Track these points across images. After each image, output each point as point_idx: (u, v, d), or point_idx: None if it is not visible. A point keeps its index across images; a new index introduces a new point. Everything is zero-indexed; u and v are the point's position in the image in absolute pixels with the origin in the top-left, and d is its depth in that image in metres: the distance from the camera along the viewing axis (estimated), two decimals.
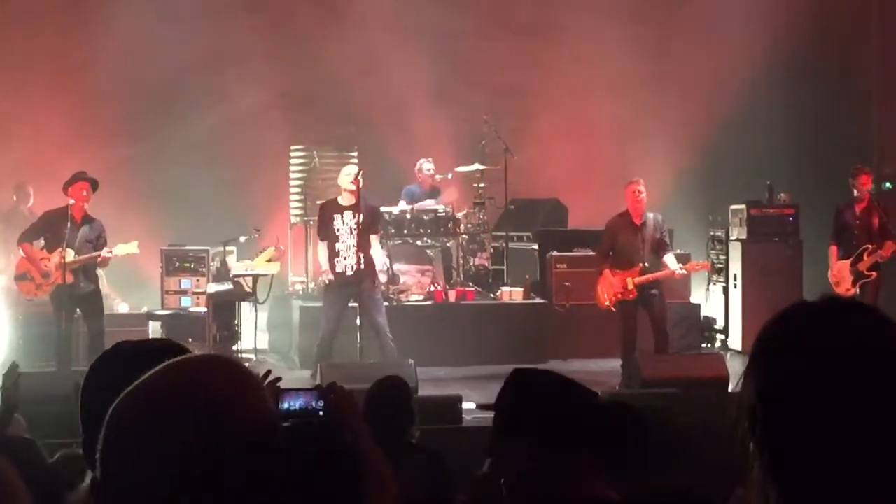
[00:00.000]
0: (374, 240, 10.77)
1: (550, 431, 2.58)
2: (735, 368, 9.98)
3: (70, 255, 10.33)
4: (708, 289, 13.94)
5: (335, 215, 10.54)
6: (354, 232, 10.45)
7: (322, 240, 10.81)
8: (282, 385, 3.22)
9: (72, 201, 10.34)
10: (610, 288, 10.63)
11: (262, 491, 1.43)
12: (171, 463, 1.38)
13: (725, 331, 13.49)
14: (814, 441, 1.37)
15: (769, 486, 1.41)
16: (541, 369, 2.89)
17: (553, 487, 2.58)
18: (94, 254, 10.44)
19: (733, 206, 13.63)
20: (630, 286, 10.51)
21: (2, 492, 1.91)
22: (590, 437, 2.60)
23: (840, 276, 11.38)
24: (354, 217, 10.43)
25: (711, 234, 14.06)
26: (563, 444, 2.59)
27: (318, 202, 11.63)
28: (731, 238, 13.56)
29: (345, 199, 10.56)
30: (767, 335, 1.46)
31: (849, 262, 11.34)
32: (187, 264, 12.56)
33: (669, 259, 10.75)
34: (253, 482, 1.41)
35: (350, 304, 10.58)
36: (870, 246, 11.23)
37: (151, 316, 12.20)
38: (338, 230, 10.51)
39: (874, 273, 11.24)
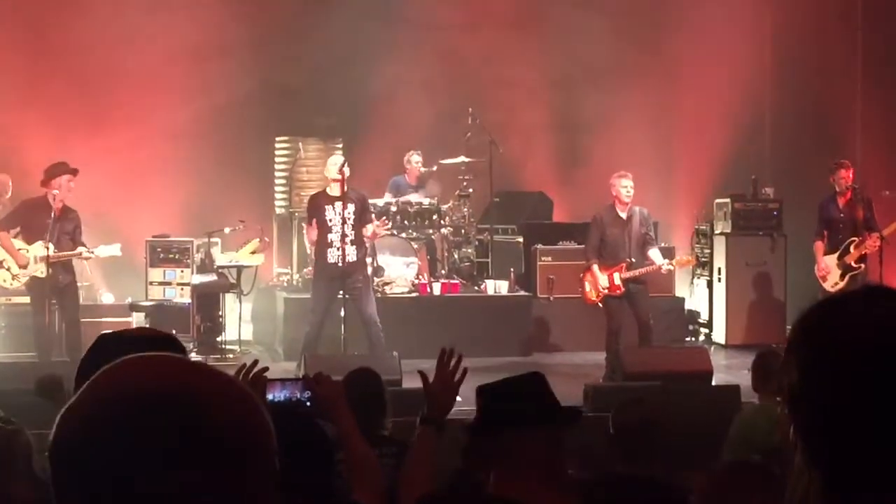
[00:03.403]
0: (369, 227, 10.73)
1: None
2: (719, 362, 10.01)
3: (49, 249, 10.34)
4: (692, 282, 13.96)
5: (326, 206, 10.45)
6: (347, 222, 10.41)
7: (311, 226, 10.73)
8: (267, 376, 3.21)
9: (56, 191, 10.34)
10: (597, 284, 10.62)
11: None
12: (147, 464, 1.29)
13: (709, 324, 13.51)
14: (859, 427, 1.36)
15: (813, 471, 1.40)
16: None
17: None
18: (75, 252, 10.46)
19: (718, 200, 13.66)
20: (617, 281, 10.49)
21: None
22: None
23: (827, 270, 11.37)
24: (345, 207, 10.40)
25: (696, 227, 14.07)
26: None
27: (302, 193, 11.58)
28: (716, 232, 13.58)
29: (333, 190, 10.51)
30: (808, 323, 1.45)
31: (835, 255, 11.34)
32: (171, 255, 12.52)
33: (655, 254, 10.68)
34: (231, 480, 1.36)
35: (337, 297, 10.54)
36: (856, 238, 11.24)
37: (135, 307, 12.16)
38: (330, 220, 10.41)
39: (861, 265, 11.26)
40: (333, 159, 10.84)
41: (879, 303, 1.45)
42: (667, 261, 10.87)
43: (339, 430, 3.06)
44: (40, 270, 10.36)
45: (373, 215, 11.13)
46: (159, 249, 12.53)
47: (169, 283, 12.45)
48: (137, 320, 12.09)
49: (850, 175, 11.39)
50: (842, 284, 11.18)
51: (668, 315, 12.72)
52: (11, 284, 10.79)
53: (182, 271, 12.41)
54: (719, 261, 13.41)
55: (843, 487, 1.38)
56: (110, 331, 2.54)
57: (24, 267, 10.45)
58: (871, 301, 1.46)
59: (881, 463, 1.36)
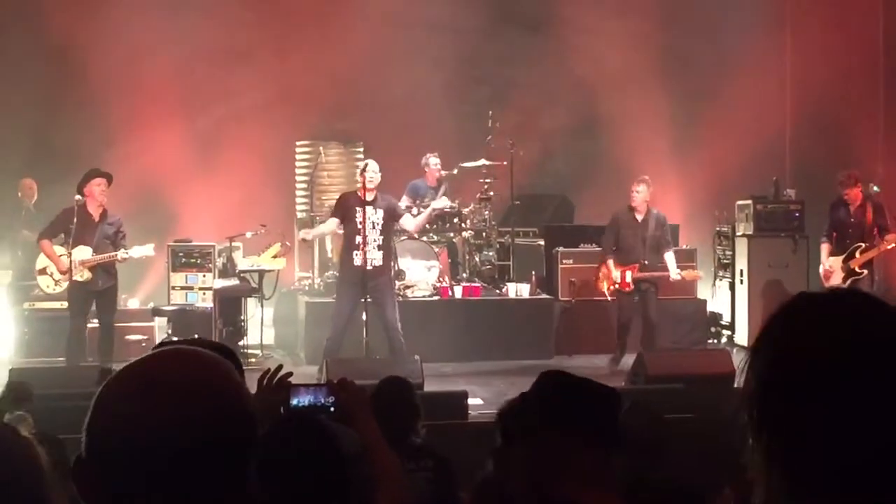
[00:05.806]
0: (407, 218, 10.93)
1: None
2: (741, 364, 10.03)
3: (88, 253, 10.47)
4: (714, 284, 13.93)
5: (357, 208, 10.46)
6: (375, 227, 10.42)
7: (335, 216, 10.78)
8: (291, 381, 3.20)
9: (79, 198, 10.43)
10: (610, 276, 11.00)
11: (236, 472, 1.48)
12: (154, 440, 1.43)
13: (732, 326, 13.48)
14: (818, 428, 1.35)
15: (772, 474, 1.39)
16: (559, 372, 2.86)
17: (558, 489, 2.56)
18: (111, 254, 10.54)
19: (739, 202, 13.61)
20: (628, 279, 10.81)
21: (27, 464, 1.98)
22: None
23: (831, 271, 11.38)
24: (375, 212, 10.42)
25: (717, 229, 14.04)
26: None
27: (323, 198, 11.59)
28: (738, 234, 13.54)
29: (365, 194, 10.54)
30: (770, 326, 1.45)
31: (840, 258, 11.35)
32: (193, 260, 12.56)
33: (669, 258, 11.01)
34: (229, 464, 1.47)
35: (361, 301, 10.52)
36: (862, 244, 11.23)
37: (157, 311, 12.20)
38: (359, 223, 10.44)
39: (865, 271, 11.24)
40: (372, 165, 10.76)
41: (838, 304, 1.44)
42: (678, 271, 11.17)
43: (362, 438, 3.03)
44: (81, 274, 10.47)
45: (400, 210, 11.16)
46: (181, 254, 12.57)
47: (191, 288, 12.49)
48: (160, 325, 12.14)
49: (858, 194, 11.33)
50: None
51: (690, 317, 12.70)
52: (54, 290, 10.94)
53: (204, 276, 12.45)
54: (741, 262, 13.37)
55: (806, 494, 1.37)
56: (171, 338, 2.58)
57: (65, 273, 10.56)
58: (829, 303, 1.45)
59: (841, 469, 1.35)
